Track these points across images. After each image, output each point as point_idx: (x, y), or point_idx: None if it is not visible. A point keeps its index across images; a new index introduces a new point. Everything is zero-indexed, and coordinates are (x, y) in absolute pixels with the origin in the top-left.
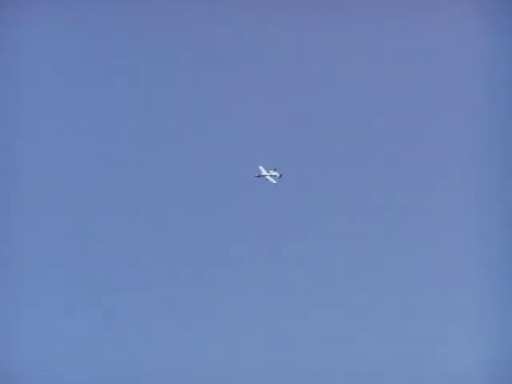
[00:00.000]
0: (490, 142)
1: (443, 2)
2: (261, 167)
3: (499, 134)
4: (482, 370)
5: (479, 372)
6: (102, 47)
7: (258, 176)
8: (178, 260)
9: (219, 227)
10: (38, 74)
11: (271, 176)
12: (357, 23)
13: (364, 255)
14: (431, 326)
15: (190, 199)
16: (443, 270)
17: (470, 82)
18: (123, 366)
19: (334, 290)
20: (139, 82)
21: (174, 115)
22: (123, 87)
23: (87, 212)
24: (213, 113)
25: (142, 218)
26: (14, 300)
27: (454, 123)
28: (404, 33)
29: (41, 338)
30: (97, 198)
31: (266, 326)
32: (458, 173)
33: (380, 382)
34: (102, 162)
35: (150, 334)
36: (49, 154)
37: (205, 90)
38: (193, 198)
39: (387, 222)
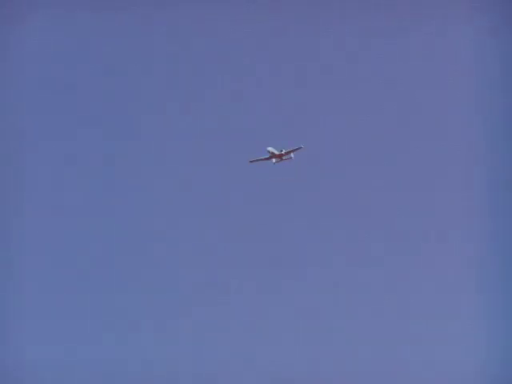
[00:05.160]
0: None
1: (443, 6)
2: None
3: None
4: (482, 370)
5: (479, 372)
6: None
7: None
8: (179, 261)
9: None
10: (38, 78)
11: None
12: (356, 25)
13: (364, 254)
14: (431, 327)
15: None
16: (444, 270)
17: (471, 85)
18: (123, 366)
19: (334, 290)
20: (140, 87)
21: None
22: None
23: (88, 212)
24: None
25: (143, 218)
26: (14, 300)
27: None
28: (404, 34)
29: (41, 338)
30: (97, 199)
31: (265, 326)
32: (458, 176)
33: (380, 382)
34: (103, 164)
35: (151, 335)
36: (49, 156)
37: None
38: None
39: (388, 222)
